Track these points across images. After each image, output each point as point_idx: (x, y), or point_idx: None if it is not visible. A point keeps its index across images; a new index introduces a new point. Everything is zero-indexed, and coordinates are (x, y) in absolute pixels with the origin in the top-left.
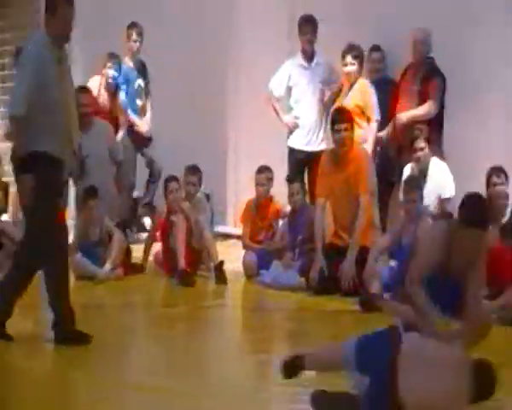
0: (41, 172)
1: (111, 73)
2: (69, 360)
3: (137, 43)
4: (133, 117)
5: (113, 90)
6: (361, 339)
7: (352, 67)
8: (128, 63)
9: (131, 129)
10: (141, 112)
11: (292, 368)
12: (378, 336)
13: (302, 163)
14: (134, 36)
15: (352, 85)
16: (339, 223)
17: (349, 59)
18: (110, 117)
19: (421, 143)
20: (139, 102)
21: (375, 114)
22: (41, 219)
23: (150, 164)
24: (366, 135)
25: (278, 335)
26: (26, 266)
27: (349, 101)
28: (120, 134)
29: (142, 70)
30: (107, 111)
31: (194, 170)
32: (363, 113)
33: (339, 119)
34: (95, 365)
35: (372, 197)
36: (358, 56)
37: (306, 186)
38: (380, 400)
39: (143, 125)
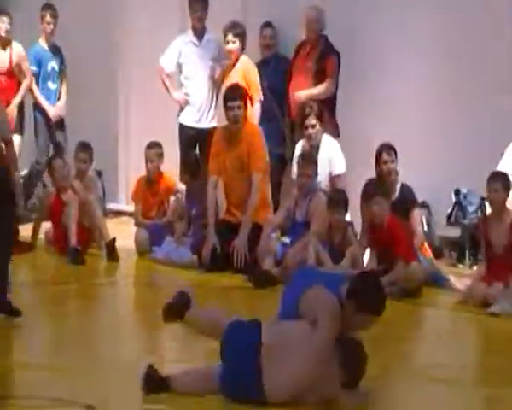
0: None
1: (4, 26)
2: None
3: (51, 26)
4: (41, 99)
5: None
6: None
7: (233, 45)
8: (42, 45)
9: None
10: (57, 95)
11: (176, 309)
12: (242, 326)
13: (193, 140)
14: (48, 18)
15: (234, 64)
16: (231, 200)
17: (230, 37)
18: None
19: (312, 121)
20: (52, 86)
21: (259, 94)
22: None
23: (56, 146)
24: (250, 115)
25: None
26: None
27: (232, 80)
28: (15, 111)
29: (57, 53)
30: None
31: (84, 147)
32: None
33: (231, 96)
34: None
35: (265, 175)
36: (240, 34)
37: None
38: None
39: (51, 109)
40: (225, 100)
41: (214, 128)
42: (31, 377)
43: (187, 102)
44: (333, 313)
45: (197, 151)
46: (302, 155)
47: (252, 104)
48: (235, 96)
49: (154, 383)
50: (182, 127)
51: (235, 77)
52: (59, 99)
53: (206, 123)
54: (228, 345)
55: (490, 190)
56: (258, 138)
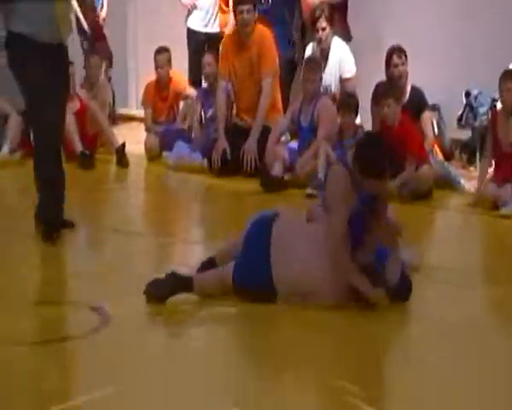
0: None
1: None
2: None
3: None
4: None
5: None
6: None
7: None
8: None
9: None
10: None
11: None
12: (258, 221)
13: (202, 44)
14: None
15: None
16: (242, 104)
17: None
18: None
19: (323, 23)
20: None
21: None
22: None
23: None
24: None
25: (182, 216)
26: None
27: None
28: None
29: None
30: None
31: (94, 52)
32: None
33: (241, 0)
34: None
35: (275, 78)
36: None
37: None
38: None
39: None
40: (235, 4)
41: (223, 32)
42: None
43: (195, 7)
44: (342, 194)
45: None
46: (307, 60)
47: None
48: (244, 0)
49: (179, 282)
50: (190, 32)
51: None
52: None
53: (215, 27)
54: (244, 240)
55: (502, 89)
56: (269, 42)
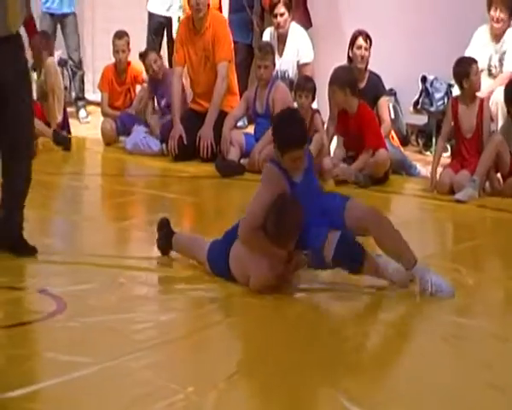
0: None
1: None
2: None
3: None
4: None
5: None
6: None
7: None
8: None
9: None
10: None
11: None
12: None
13: (161, 28)
14: None
15: None
16: (198, 90)
17: None
18: None
19: (281, 9)
20: None
21: None
22: None
23: None
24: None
25: (139, 200)
26: None
27: None
28: None
29: None
30: None
31: (43, 35)
32: None
33: None
34: None
35: (230, 63)
36: None
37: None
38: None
39: None
40: None
41: (180, 18)
42: None
43: None
44: (262, 191)
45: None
46: (258, 47)
47: None
48: None
49: (165, 231)
50: (151, 15)
51: None
52: None
53: (175, 11)
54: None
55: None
56: (223, 27)
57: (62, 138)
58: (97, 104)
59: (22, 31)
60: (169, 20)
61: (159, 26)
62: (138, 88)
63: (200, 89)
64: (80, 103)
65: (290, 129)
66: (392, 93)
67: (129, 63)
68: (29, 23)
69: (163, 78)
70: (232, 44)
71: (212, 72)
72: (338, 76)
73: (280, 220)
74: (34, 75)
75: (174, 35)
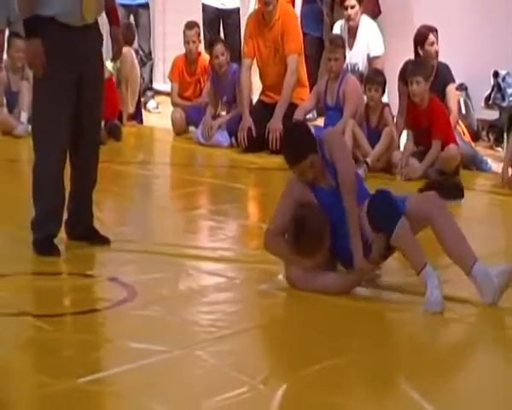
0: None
1: None
2: None
3: None
4: None
5: None
6: None
7: None
8: None
9: None
10: None
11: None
12: None
13: (217, 21)
14: None
15: None
16: (267, 83)
17: None
18: None
19: (351, 1)
20: None
21: None
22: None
23: None
24: None
25: (208, 190)
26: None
27: None
28: None
29: None
30: None
31: (128, 26)
32: None
33: None
34: None
35: (300, 56)
36: None
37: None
38: None
39: None
40: None
41: (238, 9)
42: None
43: None
44: (282, 200)
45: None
46: (329, 40)
47: None
48: None
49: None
50: (205, 7)
51: None
52: None
53: (230, 3)
54: None
55: None
56: (292, 20)
57: (114, 128)
58: (167, 94)
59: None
60: (223, 12)
61: (213, 18)
62: None
63: (270, 81)
64: (149, 93)
65: (285, 149)
66: (463, 88)
67: (199, 53)
68: (112, 13)
69: (225, 73)
70: (301, 37)
71: (282, 64)
72: (420, 68)
73: (299, 233)
74: (110, 65)
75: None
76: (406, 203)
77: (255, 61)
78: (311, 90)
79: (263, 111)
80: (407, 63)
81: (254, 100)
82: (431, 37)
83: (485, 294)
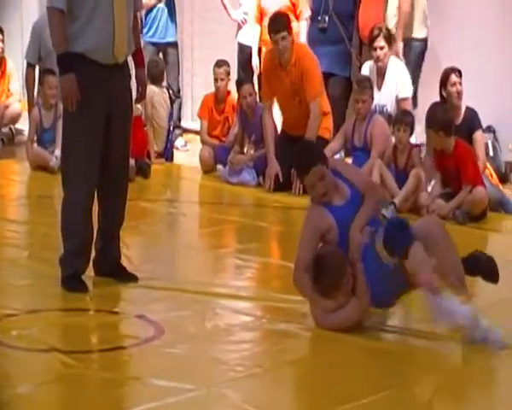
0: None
1: None
2: None
3: None
4: None
5: None
6: None
7: None
8: None
9: None
10: None
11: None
12: None
13: (251, 59)
14: None
15: None
16: (287, 122)
17: None
18: None
19: (380, 42)
20: None
21: (307, 10)
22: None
23: None
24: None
25: (235, 228)
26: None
27: None
28: None
29: None
30: None
31: (157, 64)
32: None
33: (274, 28)
34: None
35: (321, 97)
36: None
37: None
38: None
39: None
40: (269, 32)
41: (265, 52)
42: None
43: (245, 21)
44: (307, 231)
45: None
46: (357, 81)
47: (297, 19)
48: (277, 28)
49: None
50: (240, 46)
51: None
52: None
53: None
54: None
55: None
56: (309, 61)
57: (142, 166)
58: (195, 132)
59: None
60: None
61: (248, 57)
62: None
63: (291, 121)
64: (177, 132)
65: (294, 161)
66: (491, 130)
67: (229, 92)
68: (137, 54)
69: (253, 112)
70: (321, 77)
71: (302, 105)
72: (432, 119)
73: (318, 273)
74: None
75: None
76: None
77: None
78: (335, 128)
79: (287, 145)
80: (432, 108)
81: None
82: (453, 77)
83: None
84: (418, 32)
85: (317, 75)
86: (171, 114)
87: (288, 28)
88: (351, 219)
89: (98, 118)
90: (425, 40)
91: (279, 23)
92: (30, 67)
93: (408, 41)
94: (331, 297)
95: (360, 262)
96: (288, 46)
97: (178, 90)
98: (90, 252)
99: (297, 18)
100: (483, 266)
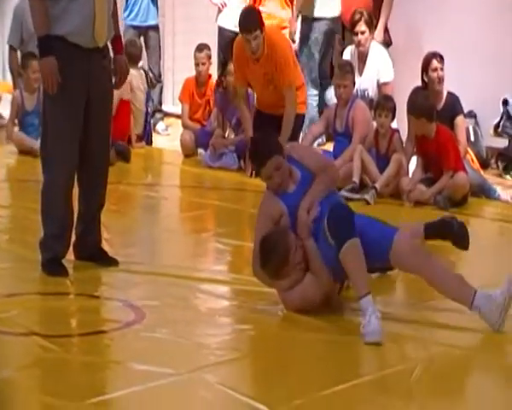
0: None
1: None
2: None
3: None
4: None
5: None
6: None
7: None
8: None
9: None
10: None
11: None
12: None
13: (231, 42)
14: None
15: None
16: (263, 105)
17: None
18: None
19: (362, 27)
20: None
21: None
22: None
23: None
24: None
25: (215, 213)
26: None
27: None
28: None
29: None
30: None
31: (133, 44)
32: None
33: (245, 28)
34: None
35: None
36: None
37: None
38: None
39: None
40: (240, 31)
41: (235, 40)
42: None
43: (225, 5)
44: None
45: None
46: (339, 66)
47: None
48: (249, 27)
49: None
50: (220, 30)
51: None
52: None
53: None
54: None
55: None
56: (282, 51)
57: (122, 150)
58: (177, 116)
59: None
60: (237, 34)
61: (229, 41)
62: None
63: (266, 104)
64: (158, 116)
65: (251, 155)
66: (472, 115)
67: (209, 76)
68: (116, 41)
69: (233, 95)
70: (292, 63)
71: (277, 90)
72: (414, 105)
73: (266, 258)
74: None
75: None
76: (393, 242)
77: None
78: (320, 116)
79: (264, 124)
80: (413, 93)
81: None
82: (434, 62)
83: (490, 319)
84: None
85: (289, 65)
86: (148, 97)
87: (261, 25)
88: (299, 202)
89: (78, 101)
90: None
91: (251, 22)
92: (12, 50)
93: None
94: (284, 277)
95: (309, 240)
96: (260, 43)
97: (160, 75)
98: (70, 236)
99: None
100: (454, 232)
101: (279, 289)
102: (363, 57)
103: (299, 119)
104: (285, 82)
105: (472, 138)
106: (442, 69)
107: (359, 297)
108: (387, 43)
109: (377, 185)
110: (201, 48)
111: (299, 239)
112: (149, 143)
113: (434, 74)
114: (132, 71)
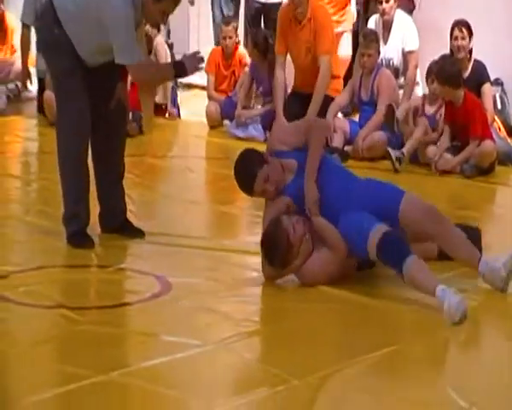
0: None
1: None
2: None
3: None
4: None
5: None
6: None
7: None
8: None
9: None
10: None
11: None
12: None
13: (259, 15)
14: None
15: None
16: (300, 77)
17: None
18: None
19: None
20: None
21: None
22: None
23: None
24: None
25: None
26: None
27: None
28: None
29: None
30: None
31: None
32: None
33: None
34: None
35: (332, 56)
36: None
37: None
38: None
39: None
40: None
41: (280, 3)
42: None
43: None
44: None
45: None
46: (363, 35)
47: None
48: None
49: None
50: (247, 2)
51: None
52: None
53: None
54: None
55: None
56: (324, 18)
57: (138, 119)
58: (202, 87)
59: None
60: (266, 6)
61: (255, 12)
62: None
63: (303, 77)
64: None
65: (238, 185)
66: (498, 83)
67: (236, 47)
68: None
69: (264, 64)
70: (334, 36)
71: (314, 63)
72: (439, 70)
73: (271, 256)
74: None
75: None
76: (401, 206)
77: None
78: (345, 85)
79: (297, 104)
80: (438, 62)
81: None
82: (455, 31)
83: (494, 284)
84: None
85: (330, 34)
86: None
87: None
88: (302, 188)
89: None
90: None
91: None
92: (24, 27)
93: None
94: (295, 257)
95: (317, 216)
96: (303, 2)
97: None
98: (88, 203)
99: None
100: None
101: (296, 270)
102: (387, 26)
103: (329, 100)
104: (321, 48)
105: (498, 106)
106: (464, 38)
107: (435, 296)
108: (411, 9)
109: (405, 150)
110: (228, 21)
111: (292, 215)
112: (178, 115)
113: (455, 43)
114: (158, 39)
